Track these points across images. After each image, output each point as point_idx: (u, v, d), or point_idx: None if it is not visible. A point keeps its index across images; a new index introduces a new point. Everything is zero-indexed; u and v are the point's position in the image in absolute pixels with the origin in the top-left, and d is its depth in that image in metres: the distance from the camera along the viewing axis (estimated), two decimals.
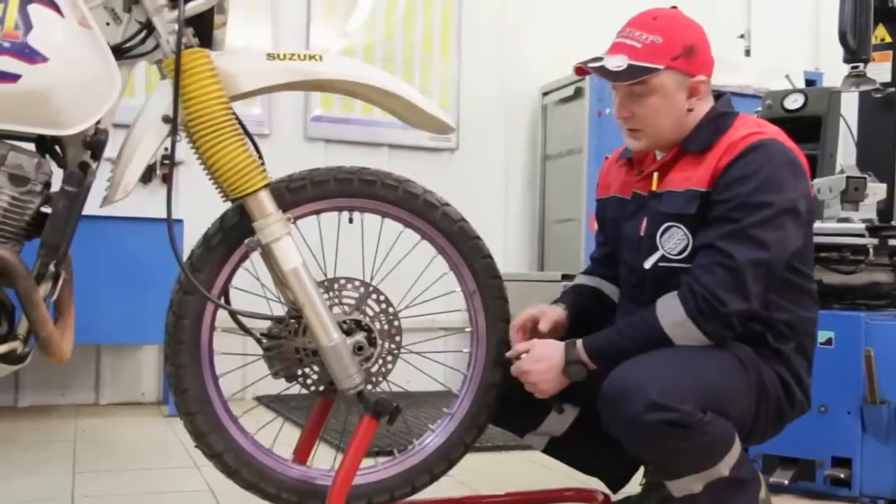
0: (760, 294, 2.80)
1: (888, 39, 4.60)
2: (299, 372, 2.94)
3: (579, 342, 2.90)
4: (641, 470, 3.42)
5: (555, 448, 3.36)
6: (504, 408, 3.17)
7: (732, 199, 2.80)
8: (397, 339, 3.02)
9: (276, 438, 3.12)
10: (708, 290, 2.74)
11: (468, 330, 3.17)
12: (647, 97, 2.92)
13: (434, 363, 3.26)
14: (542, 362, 2.92)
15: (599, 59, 2.94)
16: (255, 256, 2.88)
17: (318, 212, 3.01)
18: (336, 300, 2.97)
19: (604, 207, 3.30)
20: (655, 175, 3.04)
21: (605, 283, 3.35)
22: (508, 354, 3.04)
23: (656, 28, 2.90)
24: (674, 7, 3.01)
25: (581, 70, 3.01)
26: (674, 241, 2.93)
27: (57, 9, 2.50)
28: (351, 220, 3.12)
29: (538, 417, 3.27)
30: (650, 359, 2.75)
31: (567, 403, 3.23)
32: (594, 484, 3.49)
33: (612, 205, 3.23)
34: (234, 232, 2.86)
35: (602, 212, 3.32)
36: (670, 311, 2.81)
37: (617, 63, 2.88)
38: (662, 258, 2.96)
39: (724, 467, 2.75)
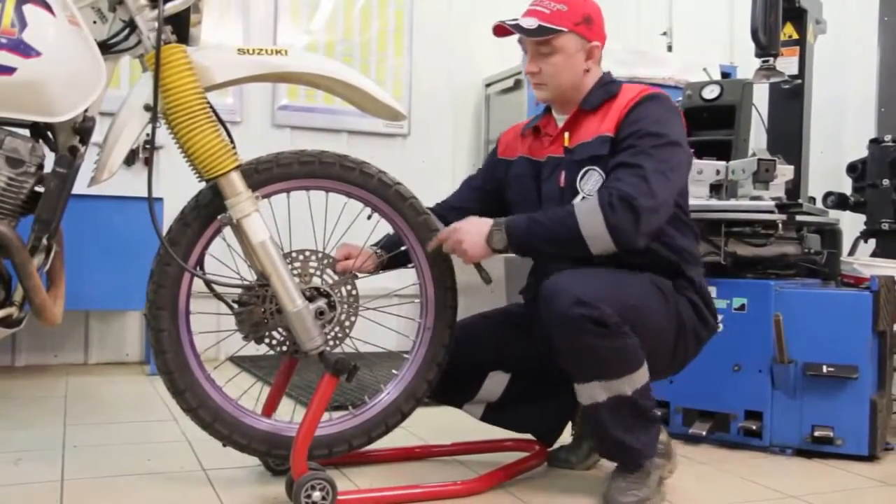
0: (666, 200, 2.94)
1: (795, 36, 4.64)
2: (266, 334, 2.96)
3: (506, 217, 3.01)
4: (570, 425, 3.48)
5: (491, 414, 3.41)
6: (442, 383, 3.19)
7: (636, 132, 2.99)
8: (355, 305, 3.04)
9: (245, 392, 3.15)
10: (621, 190, 2.86)
11: (418, 300, 3.19)
12: (552, 56, 3.14)
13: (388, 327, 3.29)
14: (472, 229, 2.99)
15: (515, 20, 3.13)
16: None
17: (286, 190, 3.02)
18: (311, 271, 3.00)
19: (507, 167, 3.39)
20: (566, 134, 3.19)
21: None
22: (443, 233, 3.07)
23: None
24: None
25: (500, 28, 3.15)
26: (591, 181, 3.07)
27: (49, 8, 2.50)
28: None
29: (473, 387, 3.33)
30: (582, 272, 2.89)
31: (499, 370, 3.31)
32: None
33: (520, 164, 3.34)
34: (209, 209, 2.87)
35: (504, 170, 3.39)
36: (587, 203, 2.92)
37: (529, 23, 3.10)
38: (584, 199, 3.04)
39: (628, 386, 2.85)
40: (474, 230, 2.99)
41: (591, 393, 2.86)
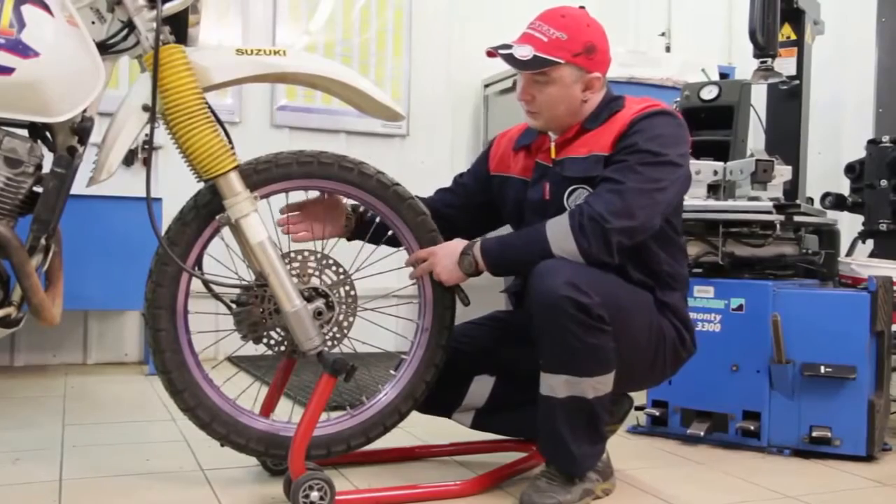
0: (645, 221, 2.86)
1: (793, 37, 4.65)
2: (264, 334, 2.96)
3: (478, 240, 3.00)
4: None
5: (481, 420, 3.39)
6: (427, 396, 3.17)
7: (629, 147, 2.90)
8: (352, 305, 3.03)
9: (243, 392, 3.15)
10: (592, 209, 2.81)
11: (416, 302, 3.19)
12: (547, 86, 3.01)
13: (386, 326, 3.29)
14: (445, 253, 3.00)
15: (509, 46, 3.01)
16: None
17: (285, 191, 3.02)
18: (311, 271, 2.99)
19: (502, 184, 3.32)
20: (553, 146, 3.11)
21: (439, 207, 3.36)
22: (420, 253, 3.08)
23: (562, 25, 2.98)
24: (581, 7, 3.08)
25: (491, 54, 3.04)
26: (581, 200, 2.94)
27: (47, 8, 2.50)
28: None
29: (459, 392, 3.32)
30: (579, 265, 2.81)
31: (484, 374, 3.30)
32: None
33: (513, 186, 3.27)
34: (207, 209, 2.87)
35: (499, 189, 3.34)
36: (557, 221, 2.87)
37: (523, 53, 2.97)
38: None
39: (591, 389, 2.81)
40: (446, 255, 3.00)
41: (553, 385, 2.82)
